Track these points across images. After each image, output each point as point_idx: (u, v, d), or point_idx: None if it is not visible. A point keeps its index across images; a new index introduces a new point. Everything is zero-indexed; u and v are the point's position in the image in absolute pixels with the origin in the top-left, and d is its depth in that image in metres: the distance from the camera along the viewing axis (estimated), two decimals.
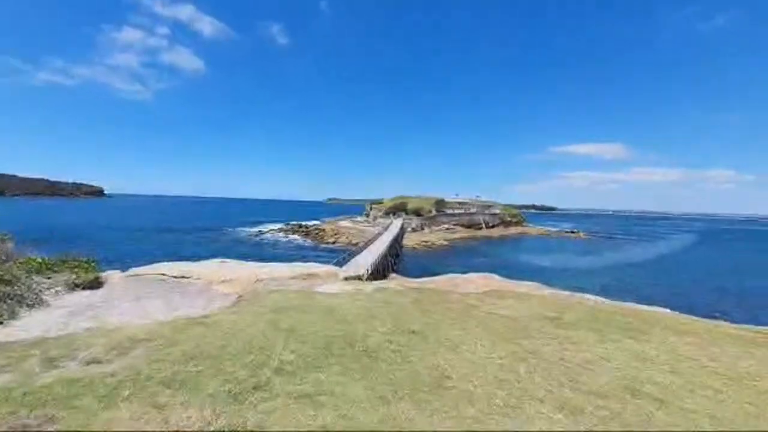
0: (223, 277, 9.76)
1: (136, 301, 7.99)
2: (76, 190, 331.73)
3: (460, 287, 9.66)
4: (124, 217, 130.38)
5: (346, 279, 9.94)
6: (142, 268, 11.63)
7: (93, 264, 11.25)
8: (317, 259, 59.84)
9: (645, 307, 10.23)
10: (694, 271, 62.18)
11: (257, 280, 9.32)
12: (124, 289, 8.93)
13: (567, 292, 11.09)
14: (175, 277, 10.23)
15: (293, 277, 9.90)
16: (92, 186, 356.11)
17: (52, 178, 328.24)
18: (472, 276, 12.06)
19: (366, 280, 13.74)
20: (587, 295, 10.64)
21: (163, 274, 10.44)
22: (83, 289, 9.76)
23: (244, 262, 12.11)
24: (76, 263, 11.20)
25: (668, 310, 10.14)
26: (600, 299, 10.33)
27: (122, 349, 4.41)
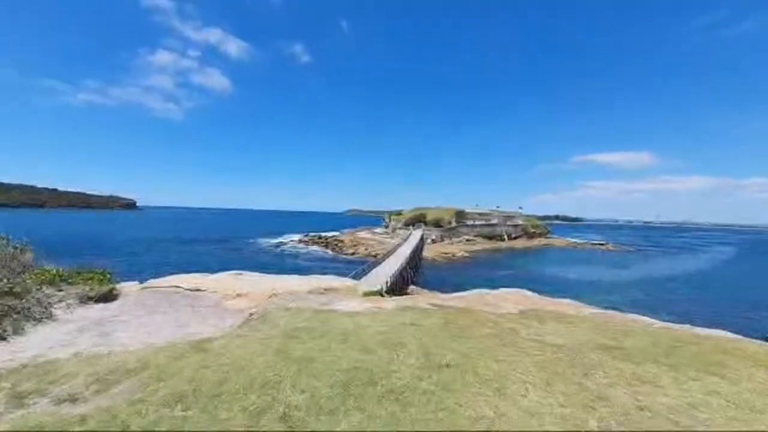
0: (237, 290, 9.18)
1: (148, 317, 7.46)
2: (110, 202, 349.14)
3: (492, 305, 8.65)
4: (152, 228, 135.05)
5: (365, 295, 9.13)
6: (159, 279, 11.23)
7: (108, 275, 10.90)
8: (336, 270, 59.60)
9: (704, 331, 8.87)
10: (736, 287, 57.92)
11: (272, 294, 8.66)
12: (136, 303, 8.45)
13: (613, 311, 9.86)
14: (189, 290, 9.73)
15: (310, 291, 9.18)
16: (126, 198, 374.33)
17: (89, 191, 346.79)
18: (503, 292, 11.00)
19: (386, 294, 12.87)
20: (635, 315, 9.39)
21: (178, 287, 9.97)
22: (96, 301, 9.37)
23: (260, 274, 11.55)
24: (91, 275, 10.88)
25: (729, 333, 8.77)
26: (650, 320, 9.05)
27: (104, 384, 3.75)
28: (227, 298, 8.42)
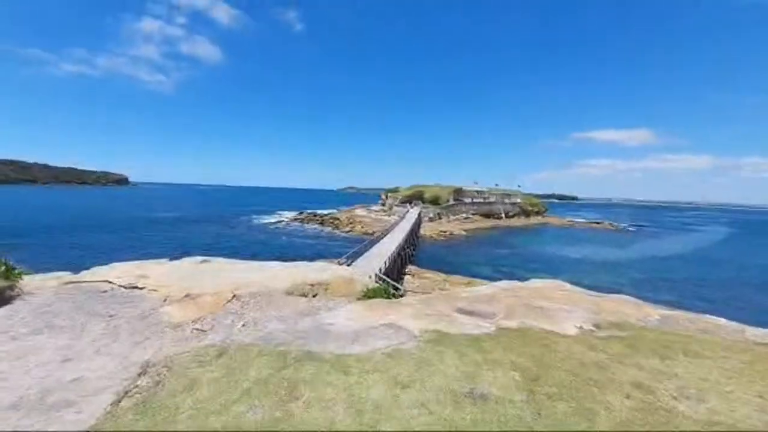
0: (188, 288, 6.73)
1: (23, 339, 4.91)
2: (102, 178, 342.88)
3: (545, 314, 6.17)
4: (141, 206, 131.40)
5: (366, 296, 6.68)
6: (94, 270, 8.70)
7: (11, 268, 8.04)
8: (332, 248, 57.54)
9: None
10: (738, 269, 57.06)
11: (234, 296, 6.22)
12: (34, 310, 5.97)
13: (725, 320, 7.35)
14: (124, 287, 7.25)
15: (291, 289, 6.70)
16: (118, 174, 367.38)
17: (81, 167, 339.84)
18: (539, 285, 8.65)
19: (391, 288, 10.43)
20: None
21: (111, 282, 7.49)
22: None
23: (233, 261, 9.03)
24: None
25: None
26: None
27: None
28: (169, 302, 5.98)
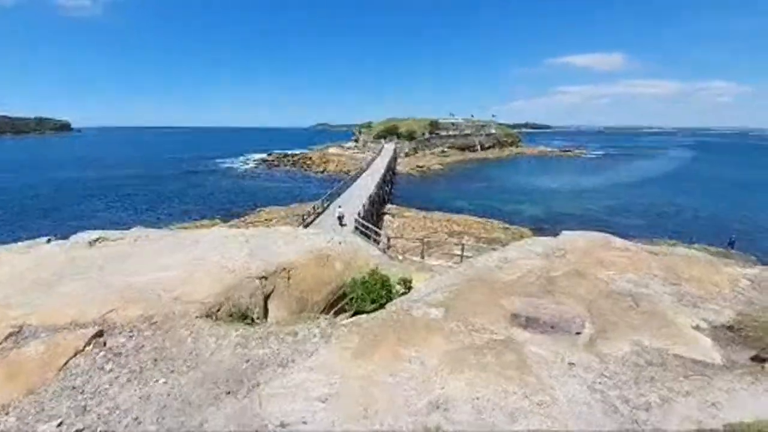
0: (19, 316, 3.84)
1: None
2: (40, 126, 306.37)
3: (654, 314, 4.08)
4: (91, 158, 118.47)
5: (352, 303, 4.17)
6: None
7: None
8: (306, 191, 54.67)
9: None
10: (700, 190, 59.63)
11: (96, 335, 3.38)
12: None
13: None
14: None
15: (212, 307, 3.84)
16: (58, 121, 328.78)
17: (13, 115, 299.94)
18: (576, 239, 6.71)
19: (385, 246, 8.08)
20: None
21: None
22: None
23: (144, 237, 6.14)
24: None
25: None
26: None
27: None
28: None
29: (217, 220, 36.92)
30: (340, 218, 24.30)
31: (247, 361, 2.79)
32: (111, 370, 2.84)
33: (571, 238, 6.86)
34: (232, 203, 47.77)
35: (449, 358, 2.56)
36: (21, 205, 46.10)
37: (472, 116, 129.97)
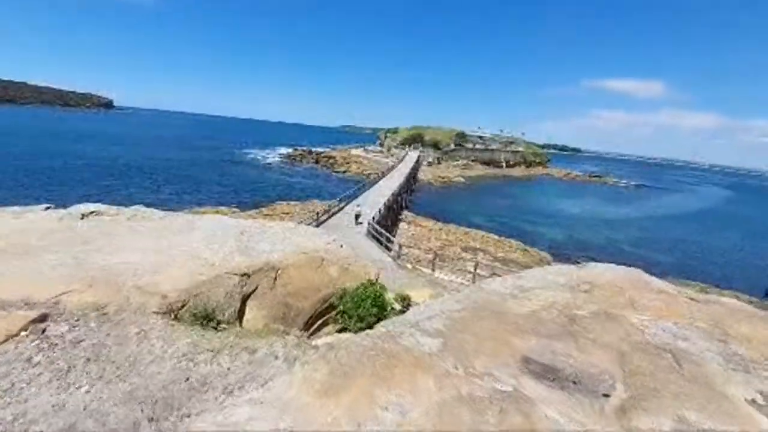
0: None
1: None
2: (84, 100, 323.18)
3: (696, 379, 3.43)
4: (126, 136, 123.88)
5: (338, 315, 3.63)
6: None
7: None
8: (325, 189, 54.95)
9: None
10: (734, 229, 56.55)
11: (35, 320, 2.82)
12: None
13: None
14: None
15: (173, 303, 2.93)
16: (101, 97, 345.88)
17: (64, 88, 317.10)
18: (606, 272, 5.98)
19: (392, 249, 7.56)
20: None
21: None
22: None
23: (142, 216, 5.81)
24: None
25: None
26: None
27: None
28: None
29: (234, 208, 37.31)
30: (357, 216, 24.30)
31: (187, 379, 2.30)
32: (37, 364, 2.41)
33: (599, 270, 6.11)
34: (253, 193, 48.31)
35: (437, 411, 1.99)
36: (49, 174, 47.96)
37: (501, 131, 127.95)
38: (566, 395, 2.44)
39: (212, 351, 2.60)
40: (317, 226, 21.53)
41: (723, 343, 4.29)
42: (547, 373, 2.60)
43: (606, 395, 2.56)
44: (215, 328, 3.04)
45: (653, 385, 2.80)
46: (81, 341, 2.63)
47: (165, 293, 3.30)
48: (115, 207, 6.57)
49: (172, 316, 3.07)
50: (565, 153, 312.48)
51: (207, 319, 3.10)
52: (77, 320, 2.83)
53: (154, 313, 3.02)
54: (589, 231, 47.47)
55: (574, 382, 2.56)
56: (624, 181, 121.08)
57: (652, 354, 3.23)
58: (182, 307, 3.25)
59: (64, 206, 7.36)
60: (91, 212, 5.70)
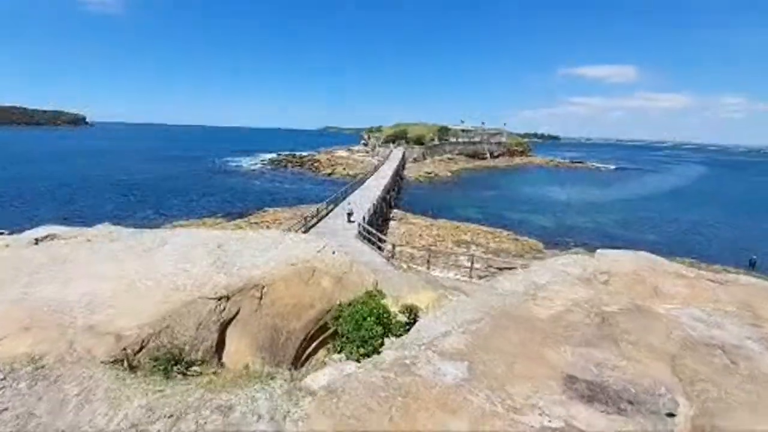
0: None
1: None
2: (54, 118, 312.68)
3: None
4: (100, 152, 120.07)
5: (337, 335, 3.12)
6: None
7: None
8: (312, 193, 54.14)
9: None
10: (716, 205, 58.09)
11: None
12: None
13: None
14: None
15: (132, 345, 2.60)
16: (72, 114, 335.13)
17: (31, 107, 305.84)
18: (623, 260, 5.63)
19: (383, 242, 7.03)
20: None
21: None
22: None
23: (111, 237, 5.12)
24: None
25: None
26: None
27: None
28: None
29: (220, 219, 36.21)
30: (350, 214, 24.22)
31: None
32: None
33: (611, 258, 5.72)
34: (239, 202, 47.14)
35: None
36: (23, 195, 45.79)
37: (483, 124, 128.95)
38: (625, 419, 1.98)
39: (172, 415, 1.97)
40: (306, 231, 20.87)
41: (756, 327, 3.91)
42: (596, 394, 2.14)
43: (671, 414, 2.11)
44: (184, 373, 2.43)
45: (718, 393, 2.36)
46: (3, 411, 2.00)
47: (120, 332, 2.67)
48: (77, 228, 5.87)
49: (127, 362, 2.44)
50: (543, 141, 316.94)
51: (173, 363, 2.47)
52: (3, 379, 2.21)
53: (103, 363, 2.39)
54: (577, 215, 48.01)
55: (630, 402, 2.11)
56: (604, 165, 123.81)
57: (702, 353, 2.80)
58: (141, 349, 2.62)
59: (19, 231, 6.62)
60: (46, 236, 5.01)
